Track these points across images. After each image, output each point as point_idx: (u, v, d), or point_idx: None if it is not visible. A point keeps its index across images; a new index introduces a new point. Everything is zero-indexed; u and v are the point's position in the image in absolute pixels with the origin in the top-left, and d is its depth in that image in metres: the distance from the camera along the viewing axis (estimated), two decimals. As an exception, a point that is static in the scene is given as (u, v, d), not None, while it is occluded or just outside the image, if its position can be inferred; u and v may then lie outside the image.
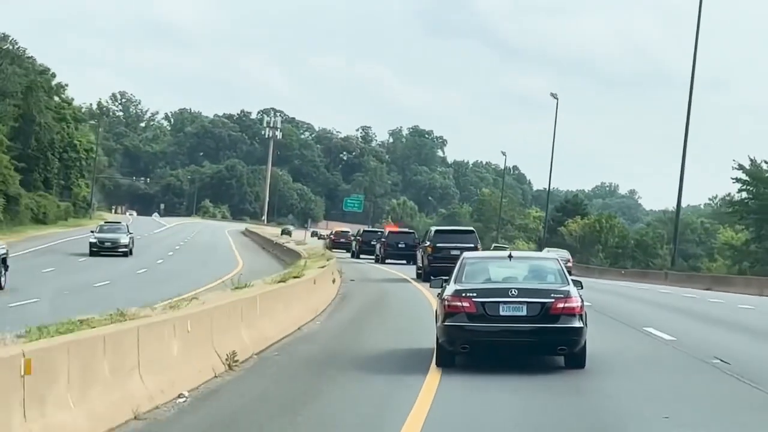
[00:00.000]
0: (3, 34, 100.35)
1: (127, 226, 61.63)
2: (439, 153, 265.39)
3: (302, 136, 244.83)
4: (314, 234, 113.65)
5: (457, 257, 16.38)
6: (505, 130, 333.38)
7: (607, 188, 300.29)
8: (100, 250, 56.37)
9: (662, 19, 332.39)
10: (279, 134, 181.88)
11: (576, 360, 14.45)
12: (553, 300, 14.16)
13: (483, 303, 14.10)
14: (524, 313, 14.09)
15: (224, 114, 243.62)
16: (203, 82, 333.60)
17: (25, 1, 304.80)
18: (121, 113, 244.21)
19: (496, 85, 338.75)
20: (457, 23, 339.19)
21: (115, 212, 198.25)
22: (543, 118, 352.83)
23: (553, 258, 15.95)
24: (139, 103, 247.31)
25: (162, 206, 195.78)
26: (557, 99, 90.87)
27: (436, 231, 35.28)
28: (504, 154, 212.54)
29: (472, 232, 35.76)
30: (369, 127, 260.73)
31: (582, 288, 15.00)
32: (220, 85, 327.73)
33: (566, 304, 14.12)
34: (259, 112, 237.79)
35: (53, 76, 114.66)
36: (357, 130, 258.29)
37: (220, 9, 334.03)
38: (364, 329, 21.06)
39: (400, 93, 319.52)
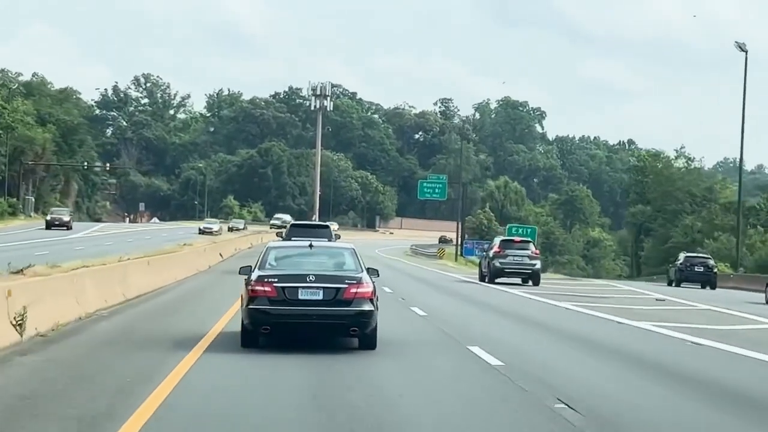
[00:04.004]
0: None
1: None
2: (538, 128, 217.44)
3: (366, 114, 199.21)
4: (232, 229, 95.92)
5: None
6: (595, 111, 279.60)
7: (731, 164, 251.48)
8: None
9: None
10: (329, 104, 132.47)
11: (367, 341, 15.42)
12: (346, 285, 15.10)
13: (283, 288, 15.01)
14: (321, 297, 15.01)
15: (269, 95, 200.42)
16: (251, 68, 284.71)
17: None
18: (146, 100, 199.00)
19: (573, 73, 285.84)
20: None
21: (130, 218, 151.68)
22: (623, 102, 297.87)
23: (350, 247, 16.77)
24: (168, 87, 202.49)
25: (142, 206, 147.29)
26: (746, 51, 65.66)
27: (292, 225, 36.92)
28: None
29: (326, 227, 36.76)
30: (450, 100, 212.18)
31: (378, 276, 16.24)
32: (267, 68, 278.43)
33: (359, 289, 15.11)
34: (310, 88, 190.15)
35: None
36: (435, 104, 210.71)
37: (283, 8, 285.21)
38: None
39: (474, 84, 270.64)
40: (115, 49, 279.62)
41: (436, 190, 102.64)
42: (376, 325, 15.25)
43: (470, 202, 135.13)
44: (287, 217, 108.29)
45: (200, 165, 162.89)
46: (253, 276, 15.25)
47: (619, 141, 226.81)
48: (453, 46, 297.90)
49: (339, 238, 39.43)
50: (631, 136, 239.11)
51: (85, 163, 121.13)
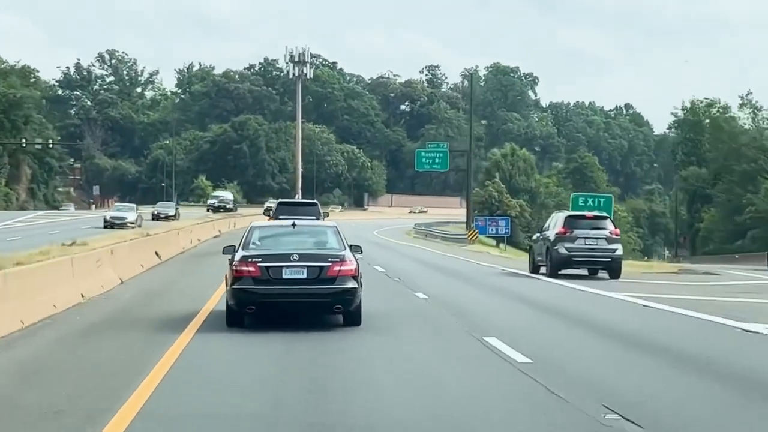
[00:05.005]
0: None
1: None
2: (531, 94, 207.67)
3: (348, 84, 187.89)
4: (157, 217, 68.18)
5: None
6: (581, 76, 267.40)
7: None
8: None
9: None
10: (309, 71, 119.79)
11: (352, 318, 15.67)
12: (330, 263, 15.29)
13: (267, 267, 15.19)
14: (304, 276, 15.23)
15: (244, 67, 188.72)
16: (220, 35, 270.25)
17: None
18: (111, 78, 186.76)
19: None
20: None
21: (97, 204, 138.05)
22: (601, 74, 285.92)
23: (333, 225, 16.99)
24: (134, 63, 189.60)
25: (96, 189, 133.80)
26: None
27: (279, 203, 36.52)
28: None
29: (314, 204, 36.44)
30: (437, 67, 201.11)
31: (361, 253, 16.43)
32: (239, 48, 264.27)
33: (342, 267, 15.30)
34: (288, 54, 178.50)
35: None
36: (421, 71, 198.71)
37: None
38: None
39: (447, 59, 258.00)
40: (79, 31, 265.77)
41: (437, 161, 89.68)
42: (360, 302, 15.59)
43: (466, 175, 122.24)
44: (228, 195, 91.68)
45: (167, 142, 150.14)
46: (237, 256, 15.48)
47: (616, 106, 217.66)
48: (429, 21, 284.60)
49: (327, 216, 39.25)
50: (628, 101, 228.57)
51: (23, 140, 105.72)
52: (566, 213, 31.67)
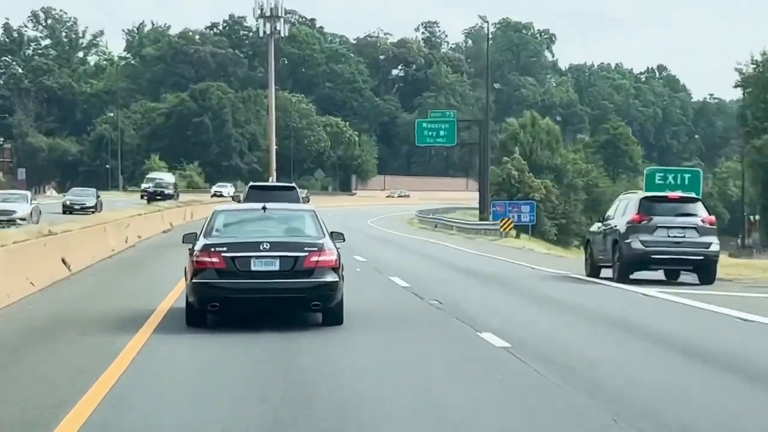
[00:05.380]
0: None
1: None
2: (547, 55, 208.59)
3: (330, 45, 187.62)
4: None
5: None
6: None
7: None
8: None
9: None
10: (283, 28, 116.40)
11: (333, 316, 15.72)
12: (306, 253, 15.25)
13: (233, 258, 15.13)
14: (277, 267, 15.22)
15: (205, 26, 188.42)
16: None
17: None
18: (47, 41, 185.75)
19: None
20: None
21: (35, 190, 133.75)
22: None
23: (310, 209, 17.14)
24: (74, 23, 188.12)
25: (21, 173, 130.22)
26: None
27: (250, 187, 35.63)
28: None
29: (292, 188, 35.65)
30: (435, 24, 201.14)
31: (344, 240, 16.32)
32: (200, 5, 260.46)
33: (320, 257, 15.24)
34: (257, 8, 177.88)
35: None
36: (417, 29, 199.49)
37: None
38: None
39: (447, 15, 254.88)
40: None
41: (441, 133, 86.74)
42: (342, 298, 15.65)
43: (479, 149, 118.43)
44: (168, 178, 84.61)
45: (110, 115, 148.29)
46: (198, 245, 15.45)
47: (647, 68, 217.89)
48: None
49: (308, 201, 39.21)
50: (661, 61, 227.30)
51: None
52: (641, 194, 27.64)
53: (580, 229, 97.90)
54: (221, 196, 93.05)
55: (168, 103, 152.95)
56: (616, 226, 26.49)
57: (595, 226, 28.90)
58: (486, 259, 37.61)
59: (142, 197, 77.16)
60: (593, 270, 27.65)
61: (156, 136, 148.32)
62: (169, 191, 77.90)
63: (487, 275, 29.11)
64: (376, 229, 66.26)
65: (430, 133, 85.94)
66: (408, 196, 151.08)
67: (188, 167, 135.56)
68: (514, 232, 65.49)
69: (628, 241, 25.75)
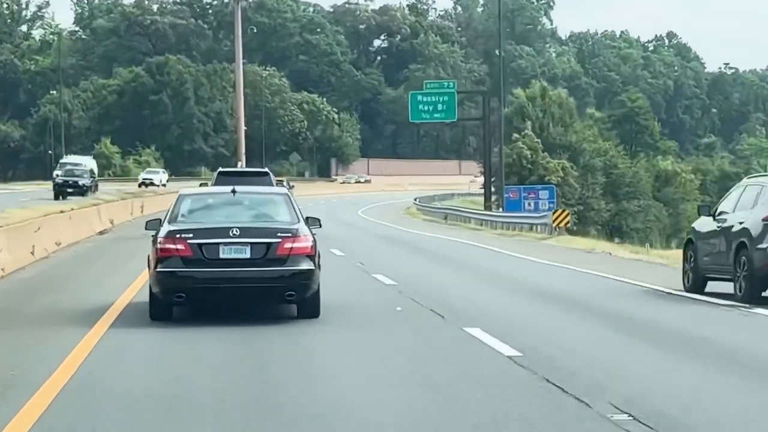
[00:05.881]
0: None
1: None
2: (545, 22, 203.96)
3: (304, 13, 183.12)
4: None
5: None
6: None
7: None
8: None
9: None
10: None
11: (308, 308, 15.71)
12: (280, 240, 15.26)
13: (200, 245, 15.14)
14: (248, 255, 15.25)
15: None
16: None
17: None
18: None
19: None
20: None
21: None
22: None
23: (284, 192, 17.14)
24: None
25: None
26: None
27: (219, 173, 35.99)
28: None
29: (265, 173, 36.01)
30: None
31: (320, 226, 16.41)
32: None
33: (295, 244, 15.26)
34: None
35: None
36: None
37: None
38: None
39: None
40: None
41: (439, 107, 76.38)
42: (318, 288, 15.64)
43: (477, 127, 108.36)
44: (88, 163, 72.87)
45: (55, 94, 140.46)
46: (162, 232, 15.45)
47: (656, 35, 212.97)
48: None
49: (293, 188, 43.90)
50: (670, 28, 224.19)
51: None
52: (773, 176, 23.41)
53: (599, 216, 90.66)
54: (152, 184, 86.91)
55: (120, 79, 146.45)
56: (741, 224, 21.97)
57: (703, 223, 23.41)
58: (567, 272, 27.36)
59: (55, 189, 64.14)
60: (696, 283, 23.04)
61: (107, 117, 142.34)
62: (84, 181, 63.55)
63: (594, 308, 19.80)
64: (373, 223, 59.79)
65: (426, 108, 75.06)
66: (369, 181, 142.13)
67: (144, 152, 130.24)
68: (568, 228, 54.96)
69: (763, 246, 21.14)
